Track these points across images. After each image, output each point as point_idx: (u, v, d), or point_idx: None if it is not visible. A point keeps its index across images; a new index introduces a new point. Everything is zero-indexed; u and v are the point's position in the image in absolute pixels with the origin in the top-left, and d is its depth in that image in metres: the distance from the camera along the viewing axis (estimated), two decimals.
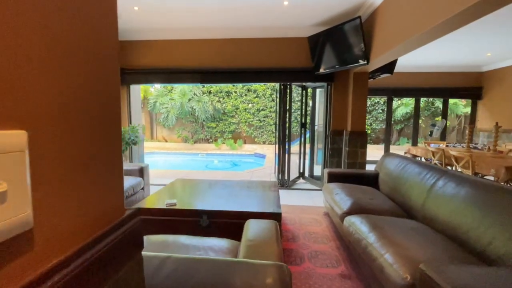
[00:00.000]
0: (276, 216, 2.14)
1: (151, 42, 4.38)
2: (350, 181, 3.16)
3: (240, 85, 10.40)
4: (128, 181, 3.14)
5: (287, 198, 3.95)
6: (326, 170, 3.30)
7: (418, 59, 5.56)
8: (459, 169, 3.66)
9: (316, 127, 5.12)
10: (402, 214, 2.30)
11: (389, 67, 3.96)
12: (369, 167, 4.21)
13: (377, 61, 3.32)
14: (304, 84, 4.82)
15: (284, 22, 3.89)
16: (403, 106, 10.03)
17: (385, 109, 9.88)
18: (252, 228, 1.58)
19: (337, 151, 4.29)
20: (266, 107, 10.41)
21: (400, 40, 2.60)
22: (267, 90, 10.37)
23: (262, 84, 10.31)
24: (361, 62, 3.42)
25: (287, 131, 4.45)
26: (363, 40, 3.27)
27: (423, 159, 4.79)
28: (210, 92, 10.44)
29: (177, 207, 2.27)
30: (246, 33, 4.21)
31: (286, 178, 4.51)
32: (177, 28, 4.15)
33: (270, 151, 9.35)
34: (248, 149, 10.29)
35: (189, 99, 10.02)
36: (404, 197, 2.45)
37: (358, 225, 1.99)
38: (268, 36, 4.23)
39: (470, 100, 8.31)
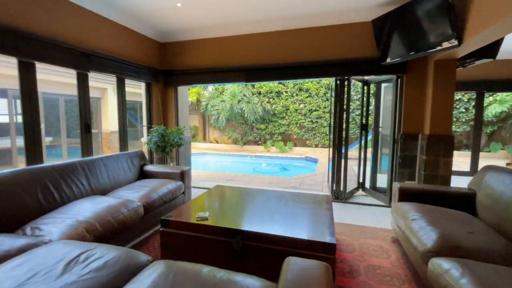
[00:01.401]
0: (328, 249, 1.62)
1: (195, 41, 4.27)
2: (431, 201, 2.39)
3: (291, 84, 9.88)
4: (168, 186, 3.00)
5: (343, 214, 3.32)
6: (397, 185, 2.58)
7: None
8: None
9: (380, 129, 4.29)
10: None
11: (490, 49, 2.96)
12: (453, 181, 3.26)
13: (474, 41, 2.45)
14: (365, 78, 4.08)
15: (341, 5, 3.27)
16: (496, 104, 8.04)
17: (471, 108, 8.10)
18: (292, 272, 1.12)
19: (410, 160, 3.44)
20: (320, 107, 9.64)
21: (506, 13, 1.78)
22: (321, 89, 9.60)
23: (315, 81, 9.59)
24: (449, 44, 2.59)
25: (343, 133, 3.80)
26: (453, 14, 2.45)
27: None
28: (260, 93, 10.20)
29: (209, 221, 1.95)
30: (296, 23, 3.73)
31: (341, 189, 3.85)
32: (220, 24, 3.93)
33: (322, 155, 8.59)
34: (298, 152, 9.70)
35: (239, 101, 9.96)
36: None
37: (456, 277, 1.33)
38: (322, 24, 3.66)
39: None
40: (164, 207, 2.90)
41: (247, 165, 8.85)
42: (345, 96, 3.75)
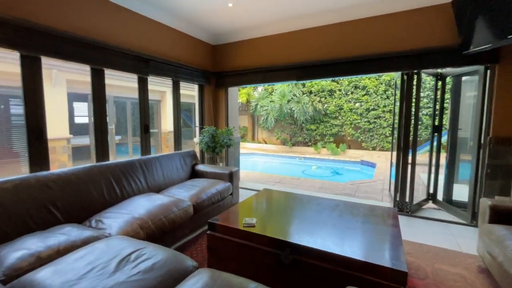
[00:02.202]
0: (397, 277, 1.33)
1: (245, 42, 4.24)
2: None
3: (346, 82, 9.22)
4: (217, 186, 3.00)
5: (409, 230, 2.85)
6: (487, 202, 2.06)
7: None
8: None
9: (459, 131, 3.60)
10: None
11: None
12: None
13: None
14: (439, 71, 3.47)
15: None
16: None
17: None
18: None
19: (502, 170, 2.77)
20: (379, 106, 8.76)
21: None
22: (380, 85, 8.72)
23: (373, 77, 8.76)
24: None
25: (411, 135, 3.28)
26: None
27: None
28: (311, 92, 9.79)
29: (255, 229, 1.83)
30: (354, 13, 3.37)
31: (407, 199, 3.33)
32: (271, 22, 3.80)
33: (381, 159, 7.79)
34: (352, 155, 8.99)
35: (288, 101, 9.73)
36: None
37: None
38: (386, 12, 3.22)
39: None
40: (213, 208, 2.91)
41: (296, 167, 8.58)
42: (414, 92, 3.23)
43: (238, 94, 5.93)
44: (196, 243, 2.54)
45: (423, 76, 3.42)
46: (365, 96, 8.94)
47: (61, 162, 5.34)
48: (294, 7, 3.34)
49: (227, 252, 1.90)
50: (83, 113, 6.53)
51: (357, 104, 9.16)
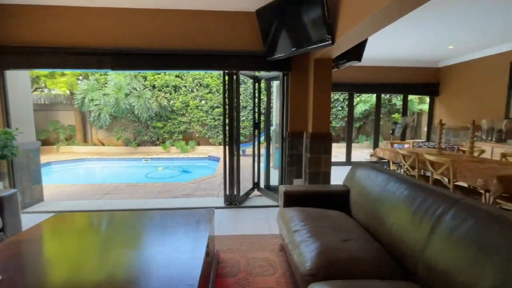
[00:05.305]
0: None
1: (39, 7, 3.02)
2: (315, 202, 2.32)
3: (190, 78, 9.15)
4: None
5: (235, 223, 3.00)
6: (282, 188, 2.41)
7: (380, 51, 5.05)
8: (437, 177, 3.08)
9: (272, 128, 4.26)
10: (393, 269, 1.48)
11: (357, 52, 3.22)
12: (335, 172, 3.47)
13: (343, 41, 2.51)
14: (255, 74, 3.90)
15: None
16: (362, 103, 9.80)
17: (345, 106, 9.56)
18: None
19: (297, 158, 3.46)
20: (221, 104, 9.32)
21: (366, 13, 1.80)
22: (221, 85, 9.30)
23: (215, 77, 9.19)
24: (324, 42, 2.58)
25: (234, 131, 3.49)
26: (326, 12, 2.43)
27: (391, 164, 4.21)
28: (154, 87, 8.97)
29: None
30: (179, 3, 3.11)
31: (235, 192, 3.54)
32: None
33: None
34: (201, 151, 9.13)
35: (127, 95, 8.44)
36: (391, 236, 1.65)
37: None
38: (204, 7, 3.19)
39: (425, 97, 8.34)
40: None
41: (142, 170, 7.62)
42: (235, 91, 3.44)
43: (30, 82, 4.27)
44: None
45: (245, 77, 3.72)
46: (209, 94, 9.26)
47: None
48: None
49: None
50: None
51: (203, 102, 9.35)
